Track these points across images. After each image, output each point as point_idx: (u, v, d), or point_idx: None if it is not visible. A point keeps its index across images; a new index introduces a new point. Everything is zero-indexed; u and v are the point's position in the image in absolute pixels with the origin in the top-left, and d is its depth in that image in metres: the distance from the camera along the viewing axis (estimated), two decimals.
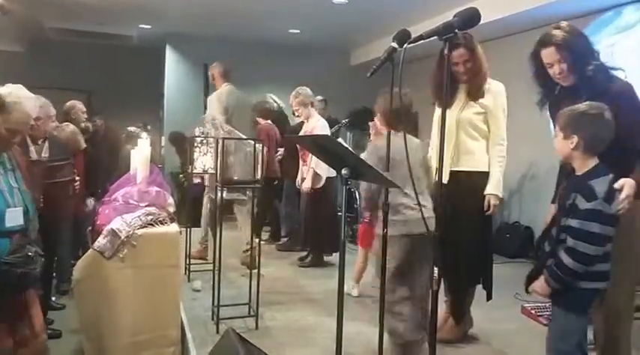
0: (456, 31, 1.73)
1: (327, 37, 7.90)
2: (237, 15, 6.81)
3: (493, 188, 2.99)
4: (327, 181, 4.74)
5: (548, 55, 2.23)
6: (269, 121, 5.67)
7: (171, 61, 8.34)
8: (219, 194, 3.37)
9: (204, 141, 3.83)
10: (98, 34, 8.06)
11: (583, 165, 2.00)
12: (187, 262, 4.30)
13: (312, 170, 4.66)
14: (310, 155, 4.61)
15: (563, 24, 2.26)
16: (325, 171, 4.60)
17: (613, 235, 1.91)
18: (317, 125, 4.82)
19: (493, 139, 3.04)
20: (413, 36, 1.94)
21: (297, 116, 5.05)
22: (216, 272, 3.28)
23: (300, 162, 4.96)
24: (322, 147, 2.33)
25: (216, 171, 3.33)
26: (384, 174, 2.03)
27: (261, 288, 3.33)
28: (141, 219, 2.93)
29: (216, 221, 3.63)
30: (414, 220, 2.50)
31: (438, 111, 3.01)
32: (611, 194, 1.91)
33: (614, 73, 2.27)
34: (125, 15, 7.14)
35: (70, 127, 4.16)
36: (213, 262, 3.42)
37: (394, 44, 2.02)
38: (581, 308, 2.01)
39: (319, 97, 7.02)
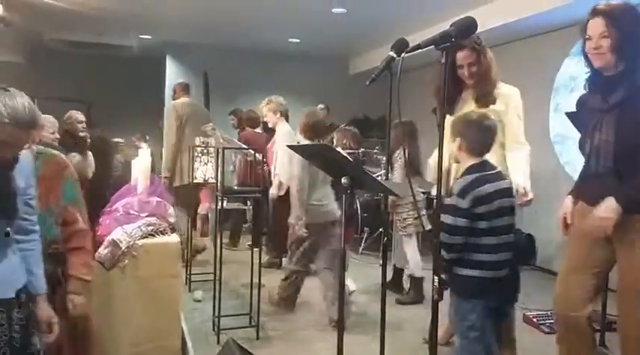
0: (453, 39, 1.73)
1: (326, 45, 7.93)
2: (237, 24, 6.84)
3: (524, 181, 2.66)
4: None
5: (593, 26, 2.03)
6: (257, 130, 5.70)
7: (172, 70, 8.36)
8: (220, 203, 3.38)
9: (205, 151, 3.84)
10: (98, 44, 8.09)
11: (464, 165, 2.28)
12: (188, 272, 4.29)
13: (277, 177, 4.58)
14: (274, 162, 4.66)
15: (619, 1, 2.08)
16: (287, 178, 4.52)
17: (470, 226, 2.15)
18: (282, 134, 4.80)
19: (509, 145, 2.78)
20: (411, 45, 1.94)
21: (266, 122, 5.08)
22: (217, 282, 3.27)
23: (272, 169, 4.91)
24: (322, 156, 2.34)
25: (217, 180, 3.33)
26: (382, 182, 2.02)
27: (262, 298, 3.32)
28: (141, 230, 2.94)
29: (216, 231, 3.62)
30: (317, 213, 3.48)
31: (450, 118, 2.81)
32: (465, 190, 2.15)
33: None
34: (125, 25, 7.17)
35: (77, 158, 4.15)
36: (214, 272, 3.41)
37: (392, 53, 2.02)
38: (466, 293, 2.21)
39: (321, 105, 7.05)
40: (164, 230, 3.00)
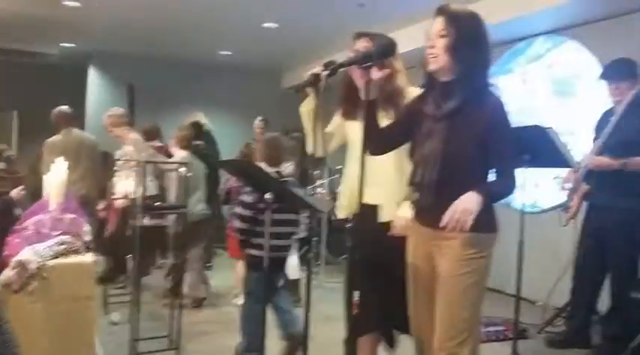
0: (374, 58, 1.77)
1: (257, 59, 7.91)
2: (165, 35, 6.69)
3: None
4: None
5: (434, 26, 1.87)
6: (197, 142, 5.54)
7: (94, 80, 8.06)
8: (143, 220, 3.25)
9: (128, 165, 3.69)
10: (19, 51, 7.73)
11: None
12: (105, 293, 4.08)
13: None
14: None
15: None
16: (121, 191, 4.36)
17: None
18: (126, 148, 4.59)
19: None
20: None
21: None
22: (135, 303, 3.13)
23: None
24: (247, 173, 2.31)
25: (140, 195, 3.20)
26: (305, 198, 2.02)
27: (184, 318, 3.20)
28: (53, 249, 2.76)
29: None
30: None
31: (348, 124, 2.42)
32: (251, 191, 2.72)
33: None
34: (45, 32, 6.84)
35: None
36: (132, 292, 3.26)
37: (319, 70, 2.02)
38: (251, 267, 2.86)
39: (259, 118, 7.00)
40: (78, 249, 2.84)
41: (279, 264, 2.92)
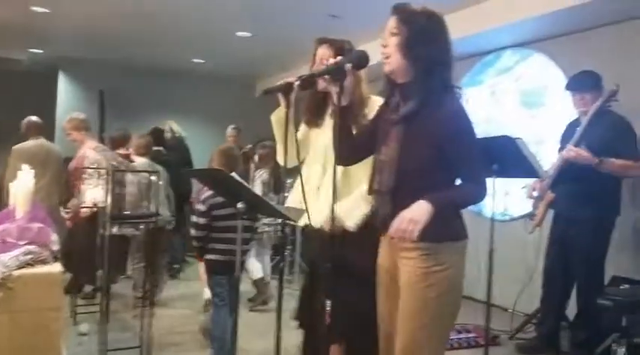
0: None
1: (231, 67, 7.90)
2: (137, 42, 6.62)
3: None
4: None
5: (387, 25, 1.79)
6: (159, 148, 5.51)
7: (64, 86, 7.92)
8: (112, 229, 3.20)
9: (95, 173, 3.63)
10: None
11: None
12: (74, 303, 3.99)
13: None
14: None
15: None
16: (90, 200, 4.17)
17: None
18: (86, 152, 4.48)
19: None
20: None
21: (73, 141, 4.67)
22: (103, 312, 3.07)
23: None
24: (219, 181, 2.30)
25: (108, 204, 3.15)
26: (277, 207, 2.02)
27: (155, 329, 3.16)
28: (19, 259, 2.69)
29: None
30: None
31: (312, 132, 2.41)
32: (205, 199, 3.01)
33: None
34: (14, 38, 6.69)
35: None
36: (101, 302, 3.20)
37: (291, 79, 2.03)
38: (211, 271, 3.06)
39: (232, 126, 6.98)
40: (45, 259, 2.77)
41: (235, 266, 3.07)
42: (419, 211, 1.62)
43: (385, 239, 1.89)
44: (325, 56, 2.34)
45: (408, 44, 1.70)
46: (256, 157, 5.12)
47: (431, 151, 1.71)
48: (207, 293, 4.00)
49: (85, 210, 4.09)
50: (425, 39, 1.70)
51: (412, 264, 1.75)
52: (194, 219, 3.06)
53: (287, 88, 2.02)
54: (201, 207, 3.02)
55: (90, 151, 4.35)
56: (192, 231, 3.04)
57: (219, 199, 2.90)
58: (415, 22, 1.71)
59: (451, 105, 1.74)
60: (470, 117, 1.78)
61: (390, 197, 1.76)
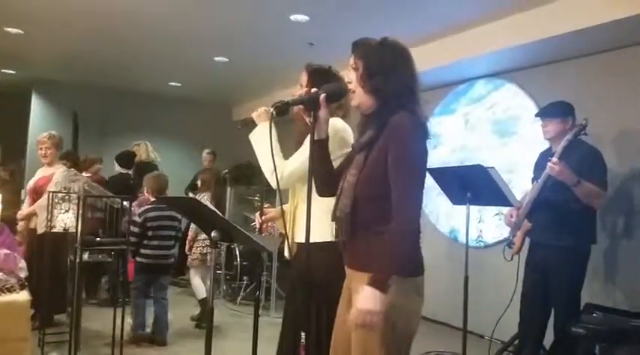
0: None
1: (208, 91, 7.91)
2: (112, 64, 6.58)
3: None
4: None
5: (350, 60, 1.82)
6: (128, 171, 5.48)
7: (37, 107, 7.80)
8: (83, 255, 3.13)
9: (66, 198, 3.55)
10: None
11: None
12: (42, 333, 3.85)
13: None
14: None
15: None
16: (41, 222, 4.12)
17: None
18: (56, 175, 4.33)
19: None
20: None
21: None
22: (73, 342, 2.97)
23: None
24: (191, 210, 2.27)
25: (77, 229, 3.08)
26: (252, 236, 2.00)
27: None
28: None
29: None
30: None
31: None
32: (141, 213, 4.03)
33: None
34: None
35: None
36: (70, 331, 3.10)
37: (270, 109, 2.02)
38: (138, 270, 4.08)
39: (207, 150, 6.94)
40: (12, 287, 2.68)
41: (164, 268, 4.17)
42: (369, 302, 1.57)
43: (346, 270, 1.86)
44: (302, 81, 2.37)
45: (365, 77, 1.74)
46: (199, 182, 5.19)
47: (380, 176, 1.68)
48: (201, 293, 4.76)
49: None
50: (380, 69, 1.72)
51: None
52: (131, 228, 3.89)
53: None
54: (137, 219, 3.98)
55: (60, 174, 4.25)
56: (130, 238, 3.81)
57: (153, 214, 3.99)
58: (369, 56, 1.75)
59: (394, 120, 1.69)
60: (417, 141, 1.70)
61: (347, 223, 1.74)
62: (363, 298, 1.58)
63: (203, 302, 4.75)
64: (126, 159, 5.84)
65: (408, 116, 1.70)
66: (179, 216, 4.28)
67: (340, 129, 2.22)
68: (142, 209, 4.05)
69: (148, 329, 4.18)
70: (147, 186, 4.33)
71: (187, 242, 4.87)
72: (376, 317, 1.57)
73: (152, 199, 4.26)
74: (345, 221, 1.74)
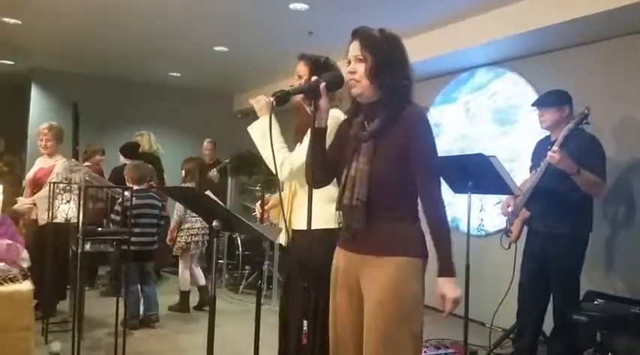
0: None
1: (209, 81, 7.89)
2: (112, 55, 6.56)
3: None
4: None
5: (350, 49, 1.85)
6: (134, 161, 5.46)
7: (38, 99, 7.77)
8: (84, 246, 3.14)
9: (68, 188, 3.56)
10: None
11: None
12: (45, 322, 3.88)
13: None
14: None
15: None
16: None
17: None
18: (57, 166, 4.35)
19: None
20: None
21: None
22: (76, 330, 2.99)
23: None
24: (194, 200, 2.28)
25: (78, 220, 3.09)
26: (253, 226, 2.01)
27: (130, 347, 3.09)
28: None
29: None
30: None
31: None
32: (121, 203, 4.07)
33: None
34: None
35: None
36: (73, 320, 3.12)
37: (270, 99, 2.04)
38: (126, 259, 3.70)
39: (208, 139, 6.93)
40: (14, 277, 2.69)
41: (147, 254, 4.27)
42: (451, 290, 1.75)
43: (342, 257, 1.89)
44: (301, 72, 2.37)
45: (374, 71, 1.79)
46: (183, 172, 5.17)
47: (400, 164, 1.79)
48: (186, 285, 4.91)
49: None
50: (389, 64, 1.80)
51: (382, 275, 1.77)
52: (112, 216, 4.14)
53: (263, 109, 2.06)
54: (118, 208, 4.12)
55: (60, 166, 4.24)
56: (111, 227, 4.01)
57: (134, 202, 3.91)
58: (379, 49, 1.80)
59: (411, 114, 1.80)
60: (431, 127, 1.84)
61: (364, 211, 1.78)
62: (446, 289, 1.74)
63: (183, 296, 4.88)
64: (130, 150, 5.83)
65: (423, 111, 1.83)
66: (160, 204, 4.44)
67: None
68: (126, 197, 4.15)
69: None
70: (127, 175, 4.37)
71: (169, 232, 4.89)
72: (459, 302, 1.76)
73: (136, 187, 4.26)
74: (360, 208, 1.78)
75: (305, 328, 1.78)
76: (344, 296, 1.86)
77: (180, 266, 4.96)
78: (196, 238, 4.93)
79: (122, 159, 5.83)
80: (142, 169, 4.40)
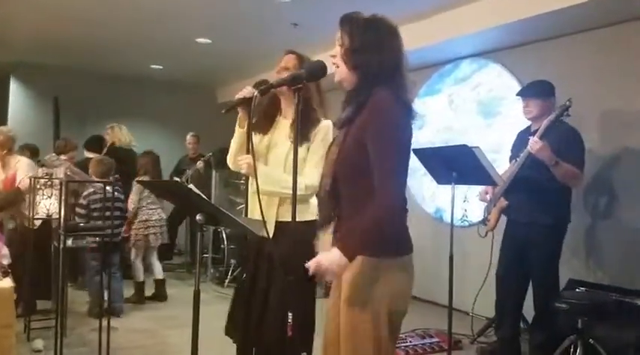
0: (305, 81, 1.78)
1: (191, 74, 7.80)
2: (92, 47, 6.44)
3: None
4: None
5: (337, 34, 1.78)
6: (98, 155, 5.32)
7: (17, 93, 7.64)
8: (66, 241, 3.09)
9: (49, 183, 3.50)
10: None
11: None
12: (27, 319, 3.83)
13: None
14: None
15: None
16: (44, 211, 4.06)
17: None
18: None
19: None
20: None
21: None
22: (59, 327, 2.96)
23: None
24: (175, 193, 2.26)
25: (60, 215, 3.05)
26: (238, 219, 1.99)
27: (114, 344, 3.06)
28: None
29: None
30: None
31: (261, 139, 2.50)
32: (86, 196, 4.23)
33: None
34: None
35: None
36: (56, 317, 3.08)
37: (249, 92, 2.10)
38: (90, 249, 4.04)
39: (191, 133, 6.87)
40: None
41: (113, 245, 4.01)
42: (331, 260, 1.59)
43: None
44: (289, 64, 2.37)
45: (348, 53, 1.70)
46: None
47: (360, 154, 1.65)
48: (140, 276, 4.96)
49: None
50: (363, 48, 1.68)
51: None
52: (77, 209, 4.21)
53: (246, 101, 2.08)
54: (83, 202, 4.22)
55: (24, 168, 4.14)
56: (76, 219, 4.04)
57: (96, 197, 4.17)
58: (355, 33, 1.70)
59: (374, 99, 1.66)
60: (397, 117, 1.66)
61: (328, 202, 1.74)
62: (328, 256, 1.59)
63: (139, 286, 4.95)
64: (95, 143, 5.74)
65: (387, 91, 1.66)
66: (122, 197, 4.53)
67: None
68: (87, 192, 4.25)
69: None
70: (92, 169, 4.40)
71: (126, 223, 4.82)
72: (329, 276, 1.61)
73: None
74: (325, 199, 1.74)
75: (290, 320, 1.77)
76: (335, 292, 1.84)
77: (132, 256, 4.95)
78: (154, 230, 4.95)
79: (86, 153, 5.69)
80: (104, 164, 4.40)
